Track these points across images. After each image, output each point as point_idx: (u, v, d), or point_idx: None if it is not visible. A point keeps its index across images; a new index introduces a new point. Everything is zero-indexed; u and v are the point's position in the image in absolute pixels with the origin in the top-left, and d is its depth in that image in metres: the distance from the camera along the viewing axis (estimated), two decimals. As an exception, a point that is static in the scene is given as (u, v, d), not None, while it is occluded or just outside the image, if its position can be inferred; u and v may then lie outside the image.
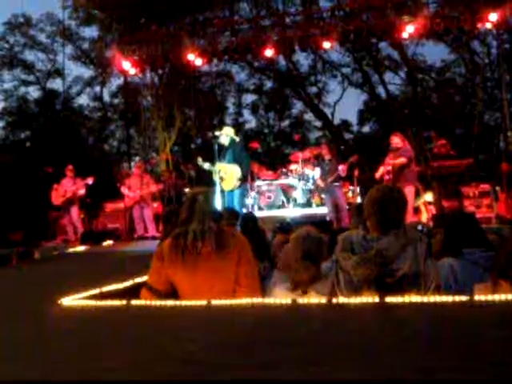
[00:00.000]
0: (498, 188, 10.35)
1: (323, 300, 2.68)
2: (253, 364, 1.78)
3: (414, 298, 2.57)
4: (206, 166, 9.13)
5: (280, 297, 3.09)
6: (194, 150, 25.16)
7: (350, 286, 2.92)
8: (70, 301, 3.09)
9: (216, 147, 9.14)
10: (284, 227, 6.31)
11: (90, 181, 11.22)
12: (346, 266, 2.94)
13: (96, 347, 2.18)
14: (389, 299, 2.55)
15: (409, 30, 12.15)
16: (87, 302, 3.09)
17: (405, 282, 2.82)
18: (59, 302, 3.05)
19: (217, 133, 9.22)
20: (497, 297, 2.44)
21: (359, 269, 2.87)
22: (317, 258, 3.34)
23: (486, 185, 10.29)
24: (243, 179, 8.89)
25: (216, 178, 8.99)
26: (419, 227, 7.01)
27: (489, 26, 11.85)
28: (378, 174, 9.45)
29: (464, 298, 2.47)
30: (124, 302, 2.93)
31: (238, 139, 9.28)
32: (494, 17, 11.37)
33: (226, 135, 9.04)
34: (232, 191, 8.88)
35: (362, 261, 2.87)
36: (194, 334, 2.23)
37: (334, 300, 2.69)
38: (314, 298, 2.90)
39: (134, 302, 2.95)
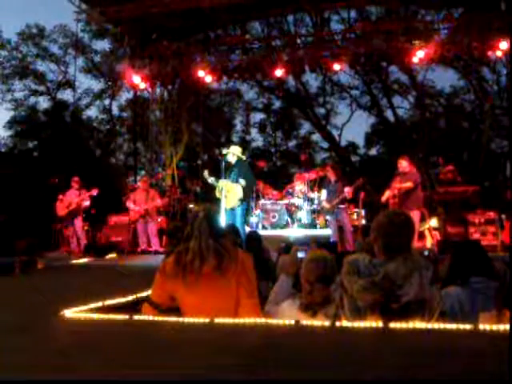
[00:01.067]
0: (503, 216, 10.30)
1: (327, 323, 2.66)
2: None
3: (418, 325, 2.55)
4: (211, 180, 9.16)
5: (289, 315, 3.08)
6: (200, 166, 25.22)
7: (355, 310, 2.89)
8: (72, 313, 3.07)
9: (223, 164, 9.17)
10: (289, 248, 6.29)
11: (94, 192, 11.24)
12: (351, 290, 2.91)
13: (97, 361, 2.16)
14: (393, 325, 2.53)
15: (419, 55, 12.21)
16: (89, 314, 3.07)
17: (410, 308, 2.78)
18: (61, 313, 3.04)
19: (224, 151, 9.25)
20: (501, 326, 2.42)
21: (365, 293, 2.84)
22: (329, 282, 3.32)
23: (492, 212, 10.25)
24: (243, 199, 8.91)
25: (220, 195, 9.00)
26: (425, 253, 6.98)
27: (499, 54, 11.89)
28: (383, 198, 9.43)
29: (468, 326, 2.45)
30: (127, 316, 2.91)
31: (244, 158, 9.31)
32: (504, 45, 11.41)
33: (232, 154, 9.07)
34: (233, 209, 8.89)
35: (368, 285, 2.84)
36: (196, 351, 2.21)
37: (338, 323, 2.67)
38: (320, 321, 2.88)
39: (137, 317, 2.94)
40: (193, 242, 3.16)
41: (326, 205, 10.30)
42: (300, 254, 3.92)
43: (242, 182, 8.83)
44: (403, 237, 2.98)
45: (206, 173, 9.34)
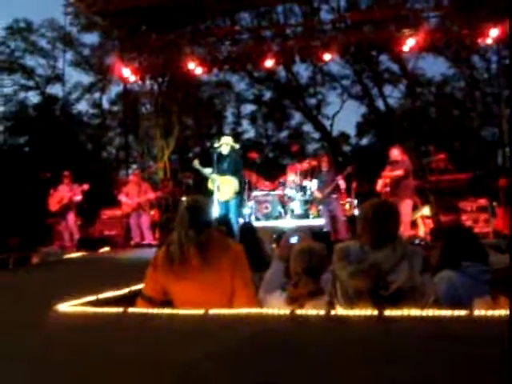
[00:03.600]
0: (495, 203, 10.35)
1: (322, 312, 2.67)
2: (251, 373, 1.76)
3: (413, 312, 2.55)
4: (200, 168, 9.20)
5: (276, 307, 3.07)
6: (192, 159, 25.16)
7: (346, 297, 2.92)
8: (66, 307, 3.06)
9: (215, 157, 9.14)
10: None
11: (86, 187, 11.19)
12: (342, 276, 2.96)
13: (92, 353, 2.16)
14: (387, 312, 2.53)
15: (409, 44, 12.20)
16: (84, 308, 3.06)
17: (401, 295, 2.82)
18: (55, 307, 3.03)
19: (216, 144, 9.22)
20: (496, 312, 2.43)
21: (354, 279, 2.89)
22: (317, 273, 3.32)
23: (484, 200, 10.29)
24: (240, 191, 8.93)
25: (213, 187, 8.98)
26: (416, 241, 7.00)
27: (489, 41, 11.89)
28: (378, 187, 9.45)
29: (463, 313, 2.46)
30: (121, 309, 2.90)
31: (237, 146, 9.30)
32: (494, 32, 11.42)
33: (226, 145, 9.05)
34: (227, 202, 8.88)
35: (357, 272, 2.89)
36: (191, 343, 2.21)
37: (333, 312, 2.67)
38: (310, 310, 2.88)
39: (131, 310, 2.93)
40: (175, 233, 3.15)
41: (317, 194, 10.32)
42: (293, 240, 3.92)
43: (235, 180, 8.84)
44: (388, 226, 3.02)
45: (195, 162, 9.35)
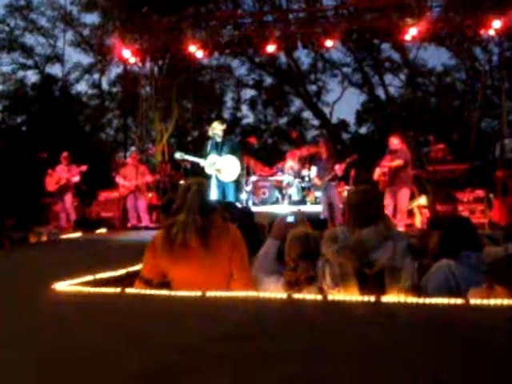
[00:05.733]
0: (491, 195, 10.38)
1: (319, 296, 2.68)
2: (249, 355, 1.77)
3: (410, 299, 2.58)
4: (187, 156, 9.29)
5: (274, 292, 3.08)
6: (190, 143, 25.14)
7: (334, 278, 3.03)
8: (63, 286, 3.07)
9: (212, 142, 9.17)
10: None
11: (84, 168, 11.19)
12: (328, 255, 3.10)
13: (89, 333, 2.17)
14: (385, 299, 2.55)
15: (411, 33, 12.13)
16: (81, 288, 3.07)
17: (383, 275, 2.96)
18: (53, 287, 3.03)
19: (210, 133, 9.26)
20: (492, 301, 2.45)
21: (339, 257, 3.03)
22: (314, 257, 3.34)
23: (481, 191, 10.32)
24: (239, 175, 9.01)
25: (210, 170, 9.00)
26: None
27: (492, 32, 11.83)
28: (375, 176, 9.46)
29: (459, 301, 2.47)
30: (118, 289, 2.91)
31: (224, 126, 9.33)
32: (497, 24, 11.36)
33: (219, 130, 9.11)
34: (227, 184, 8.92)
35: (342, 249, 3.03)
36: (188, 324, 2.22)
37: (330, 297, 2.69)
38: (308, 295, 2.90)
39: (128, 290, 2.94)
40: (181, 215, 3.12)
41: (316, 181, 10.32)
42: (289, 219, 3.92)
43: (237, 160, 8.91)
44: (373, 209, 3.19)
45: (177, 154, 9.47)
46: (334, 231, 3.22)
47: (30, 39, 26.74)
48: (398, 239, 3.07)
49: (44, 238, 8.47)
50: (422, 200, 10.49)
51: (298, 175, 12.08)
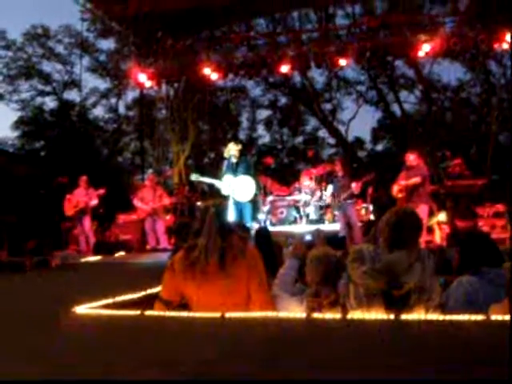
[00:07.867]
0: (512, 209, 10.27)
1: (338, 315, 2.67)
2: (268, 374, 1.77)
3: (430, 316, 2.56)
4: (202, 178, 9.36)
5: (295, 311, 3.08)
6: (207, 164, 25.24)
7: (359, 298, 2.96)
8: (83, 309, 3.09)
9: (228, 163, 9.23)
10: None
11: (102, 192, 11.29)
12: (354, 276, 3.00)
13: (109, 355, 2.18)
14: (404, 316, 2.53)
15: (425, 49, 12.16)
16: (101, 311, 3.09)
17: (410, 297, 2.88)
18: (73, 310, 3.05)
19: (225, 154, 9.32)
20: (507, 317, 2.42)
21: (367, 279, 2.94)
22: (335, 280, 3.32)
23: (500, 205, 10.22)
24: (255, 194, 9.03)
25: (227, 191, 9.03)
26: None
27: (506, 46, 11.81)
28: (394, 192, 9.39)
29: (480, 318, 2.45)
30: (138, 312, 2.92)
31: (240, 146, 9.38)
32: (510, 37, 11.35)
33: (235, 150, 9.17)
34: (244, 204, 8.94)
35: (371, 271, 2.94)
36: (208, 345, 2.22)
37: (349, 316, 2.68)
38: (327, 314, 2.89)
39: (148, 312, 2.95)
40: (201, 239, 3.13)
41: (333, 200, 10.28)
42: (307, 237, 3.92)
43: (252, 180, 8.95)
44: (408, 233, 3.07)
45: (193, 176, 9.54)
46: (360, 250, 3.11)
47: (47, 66, 27.19)
48: (425, 259, 3.01)
49: (64, 262, 8.52)
50: (442, 216, 10.40)
51: (315, 194, 12.07)
